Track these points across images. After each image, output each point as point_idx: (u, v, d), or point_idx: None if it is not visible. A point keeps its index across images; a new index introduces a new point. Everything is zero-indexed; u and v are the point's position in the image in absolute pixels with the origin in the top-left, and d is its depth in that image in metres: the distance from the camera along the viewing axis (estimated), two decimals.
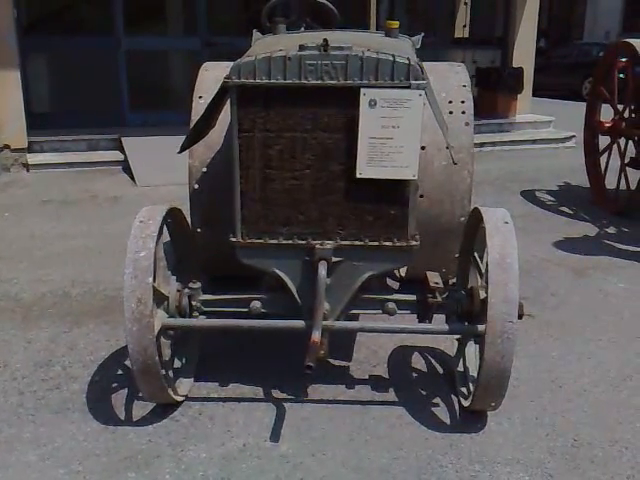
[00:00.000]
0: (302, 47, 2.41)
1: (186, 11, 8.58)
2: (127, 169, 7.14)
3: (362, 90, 2.38)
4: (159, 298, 2.71)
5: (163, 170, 6.81)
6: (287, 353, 3.37)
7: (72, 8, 8.08)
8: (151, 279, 2.56)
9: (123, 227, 5.42)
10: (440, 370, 3.29)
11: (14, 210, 5.89)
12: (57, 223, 5.58)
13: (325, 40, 2.36)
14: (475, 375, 2.84)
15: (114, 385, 3.15)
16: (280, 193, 2.58)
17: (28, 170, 7.09)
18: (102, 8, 7.92)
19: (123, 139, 7.40)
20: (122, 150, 7.34)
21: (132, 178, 6.93)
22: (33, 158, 7.13)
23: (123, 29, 7.87)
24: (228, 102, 2.58)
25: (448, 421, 2.86)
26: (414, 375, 3.26)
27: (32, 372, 3.24)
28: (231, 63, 3.16)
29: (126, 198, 6.38)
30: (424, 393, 3.08)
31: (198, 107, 3.11)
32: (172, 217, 2.89)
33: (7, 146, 7.00)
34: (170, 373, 2.94)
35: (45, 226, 5.48)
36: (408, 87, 2.37)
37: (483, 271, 2.75)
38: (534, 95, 10.29)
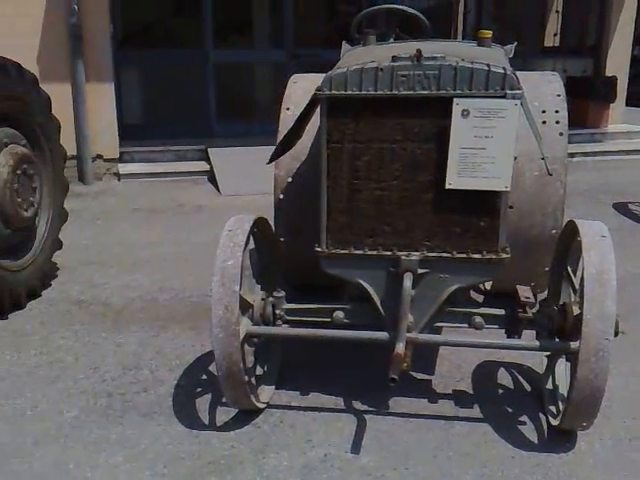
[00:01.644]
0: (394, 58, 2.41)
1: (272, 24, 8.75)
2: (212, 179, 7.32)
3: (455, 100, 2.35)
4: (244, 306, 2.75)
5: (247, 180, 6.94)
6: (368, 364, 3.34)
7: (164, 23, 8.39)
8: (238, 287, 2.60)
9: (208, 235, 5.57)
10: (527, 387, 3.19)
11: (105, 217, 6.14)
12: (145, 231, 5.77)
13: (418, 50, 2.34)
14: (565, 393, 2.74)
15: (198, 390, 3.21)
16: (367, 204, 2.57)
17: (119, 179, 7.38)
18: (193, 23, 8.18)
19: (209, 150, 7.59)
20: (208, 160, 7.53)
21: (217, 188, 7.09)
22: (124, 168, 7.42)
23: (212, 43, 8.11)
24: (316, 113, 2.60)
25: (536, 440, 2.77)
26: (500, 391, 3.16)
27: (121, 375, 3.35)
28: (319, 75, 3.20)
29: (211, 207, 6.53)
30: (510, 410, 2.99)
31: (286, 118, 3.15)
32: (258, 226, 2.93)
33: (100, 156, 7.31)
34: (252, 380, 2.98)
35: (134, 233, 5.68)
36: (503, 97, 2.33)
37: (577, 286, 2.65)
38: (628, 104, 9.89)
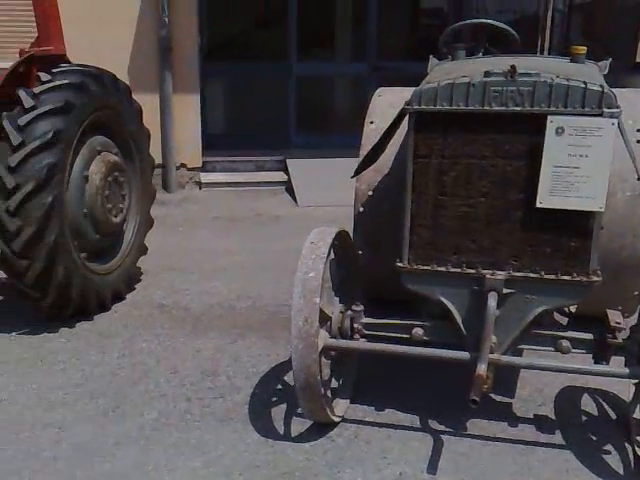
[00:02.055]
0: (487, 73, 2.37)
1: (355, 37, 8.79)
2: (290, 189, 7.40)
3: (549, 117, 2.30)
4: (323, 318, 2.75)
5: (324, 191, 6.98)
6: (445, 382, 3.29)
7: (249, 36, 8.55)
8: (318, 299, 2.61)
9: (285, 245, 5.63)
10: (612, 415, 3.06)
11: (187, 225, 6.30)
12: (225, 239, 5.89)
13: (513, 66, 2.30)
14: None
15: (274, 399, 3.24)
16: (452, 220, 2.53)
17: (200, 188, 7.56)
18: (277, 36, 8.33)
19: (288, 160, 7.68)
20: (286, 171, 7.62)
21: (294, 198, 7.17)
22: (206, 177, 7.60)
23: (296, 56, 8.23)
24: (401, 127, 2.59)
25: (621, 470, 2.66)
26: (583, 418, 3.05)
27: (199, 380, 3.42)
28: (404, 89, 3.18)
29: (288, 217, 6.60)
30: (594, 438, 2.88)
31: (369, 132, 3.14)
32: (340, 239, 2.93)
33: (184, 165, 7.52)
34: (328, 393, 2.97)
35: (214, 241, 5.80)
36: (600, 115, 2.26)
37: None
38: None
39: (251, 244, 5.72)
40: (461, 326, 2.67)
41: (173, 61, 7.11)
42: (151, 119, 4.63)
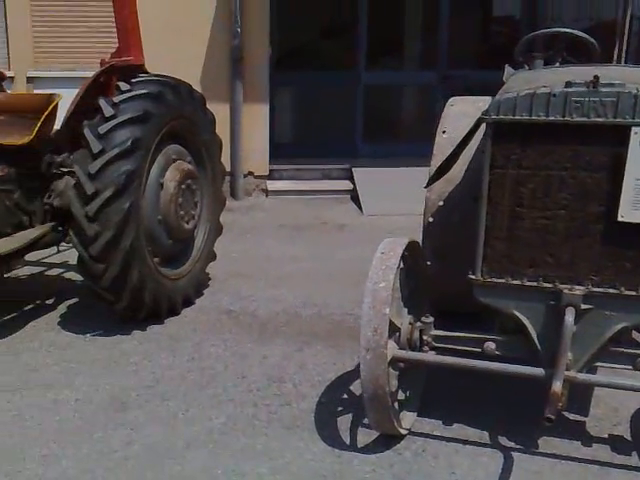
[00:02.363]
0: (569, 83, 2.32)
1: (424, 45, 8.75)
2: (355, 198, 7.40)
3: (633, 129, 2.23)
4: (392, 329, 2.74)
5: (389, 200, 6.95)
6: (516, 398, 3.21)
7: (318, 45, 8.63)
8: (388, 310, 2.60)
9: (350, 254, 5.64)
10: None
11: (254, 232, 6.38)
12: (290, 246, 5.94)
13: (596, 77, 2.24)
14: None
15: (340, 409, 3.24)
16: (528, 233, 2.48)
17: (267, 195, 7.66)
18: (346, 45, 8.37)
19: (354, 169, 7.69)
20: (352, 180, 7.63)
21: (359, 207, 7.17)
22: (272, 185, 7.70)
23: (364, 64, 8.25)
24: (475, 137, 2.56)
25: None
26: None
27: (266, 386, 3.45)
28: (478, 98, 3.15)
29: (353, 226, 6.61)
30: None
31: (441, 142, 3.12)
32: (410, 250, 2.91)
33: (251, 173, 7.64)
34: (395, 405, 2.95)
35: (280, 248, 5.86)
36: None
37: None
38: None
39: (316, 252, 5.75)
40: (536, 341, 2.61)
41: (244, 71, 7.24)
42: (221, 128, 4.72)
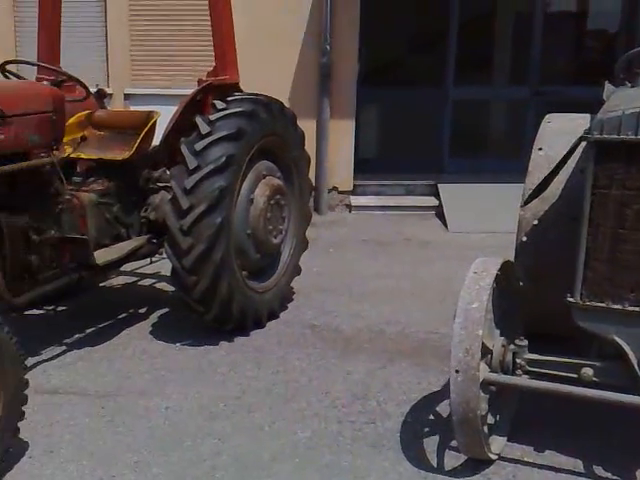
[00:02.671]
0: None
1: (515, 60, 8.58)
2: (440, 214, 7.31)
3: None
4: (484, 351, 2.68)
5: (476, 217, 6.84)
6: (613, 427, 3.07)
7: (405, 60, 8.61)
8: (481, 331, 2.55)
9: (434, 271, 5.57)
10: None
11: (337, 247, 6.41)
12: (373, 262, 5.92)
13: None
14: None
15: (426, 429, 3.19)
16: (631, 255, 2.38)
17: (350, 211, 7.68)
18: (434, 60, 8.32)
19: (439, 185, 7.61)
20: (437, 196, 7.54)
21: (444, 224, 7.08)
22: (356, 200, 7.72)
23: (453, 80, 8.18)
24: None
25: None
26: None
27: (350, 403, 3.44)
28: (575, 115, 3.05)
29: (437, 243, 6.53)
30: None
31: (537, 159, 3.04)
32: (503, 270, 2.84)
33: (335, 188, 7.69)
34: (485, 428, 2.87)
35: (363, 264, 5.86)
36: None
37: None
38: None
39: (400, 268, 5.71)
40: (636, 368, 2.49)
41: (332, 87, 7.33)
42: (307, 143, 4.77)
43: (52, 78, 4.11)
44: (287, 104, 4.61)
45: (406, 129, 8.20)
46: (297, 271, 4.78)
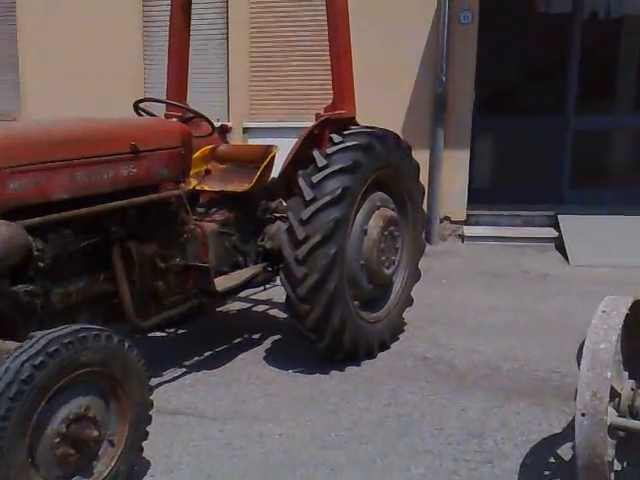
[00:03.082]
0: None
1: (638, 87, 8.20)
2: (560, 246, 7.03)
3: None
4: (612, 394, 2.53)
5: (598, 250, 6.53)
6: None
7: (523, 88, 8.39)
8: (609, 374, 2.41)
9: (555, 306, 5.35)
10: None
11: (450, 278, 6.30)
12: (488, 295, 5.77)
13: None
14: None
15: (546, 473, 3.06)
16: None
17: (463, 241, 7.55)
18: (554, 88, 8.08)
19: (559, 216, 7.32)
20: (556, 227, 7.27)
21: (565, 256, 6.79)
22: (469, 230, 7.58)
23: (574, 108, 7.90)
24: None
25: None
26: None
27: (466, 440, 3.35)
28: None
29: (557, 276, 6.27)
30: None
31: None
32: (633, 309, 2.69)
33: (447, 218, 7.59)
34: (612, 475, 2.70)
35: (477, 296, 5.72)
36: None
37: None
38: None
39: (517, 302, 5.53)
40: None
41: (446, 117, 7.30)
42: (421, 174, 4.75)
43: (180, 115, 4.37)
44: (401, 134, 4.63)
45: (523, 158, 7.99)
46: (409, 302, 4.75)
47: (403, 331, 4.81)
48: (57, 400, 2.50)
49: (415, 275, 4.79)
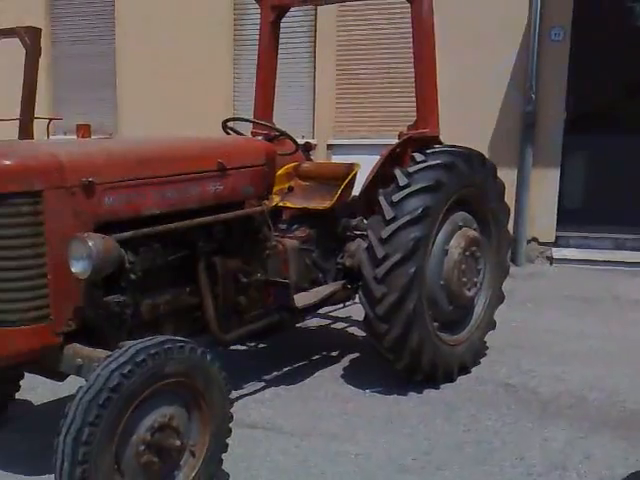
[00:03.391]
0: None
1: None
2: None
3: None
4: None
5: None
6: None
7: (616, 107, 8.03)
8: None
9: None
10: None
11: (536, 301, 6.10)
12: (576, 320, 5.55)
13: None
14: None
15: None
16: None
17: (551, 263, 7.30)
18: None
19: None
20: None
21: None
22: (557, 252, 7.32)
23: None
24: None
25: None
26: None
27: (547, 472, 3.23)
28: None
29: None
30: None
31: None
32: None
33: (535, 239, 7.37)
34: None
35: (565, 321, 5.51)
36: None
37: None
38: None
39: (607, 329, 5.30)
40: None
41: (535, 136, 7.12)
42: (507, 191, 4.65)
43: (265, 133, 4.47)
44: (487, 153, 4.56)
45: (615, 178, 7.66)
46: (491, 325, 4.63)
47: (485, 355, 4.69)
48: (143, 409, 2.57)
49: (498, 298, 4.67)
